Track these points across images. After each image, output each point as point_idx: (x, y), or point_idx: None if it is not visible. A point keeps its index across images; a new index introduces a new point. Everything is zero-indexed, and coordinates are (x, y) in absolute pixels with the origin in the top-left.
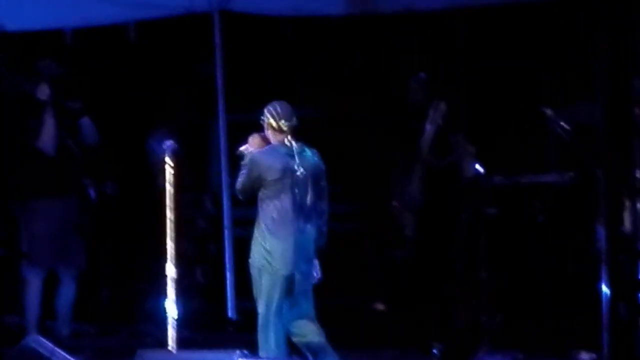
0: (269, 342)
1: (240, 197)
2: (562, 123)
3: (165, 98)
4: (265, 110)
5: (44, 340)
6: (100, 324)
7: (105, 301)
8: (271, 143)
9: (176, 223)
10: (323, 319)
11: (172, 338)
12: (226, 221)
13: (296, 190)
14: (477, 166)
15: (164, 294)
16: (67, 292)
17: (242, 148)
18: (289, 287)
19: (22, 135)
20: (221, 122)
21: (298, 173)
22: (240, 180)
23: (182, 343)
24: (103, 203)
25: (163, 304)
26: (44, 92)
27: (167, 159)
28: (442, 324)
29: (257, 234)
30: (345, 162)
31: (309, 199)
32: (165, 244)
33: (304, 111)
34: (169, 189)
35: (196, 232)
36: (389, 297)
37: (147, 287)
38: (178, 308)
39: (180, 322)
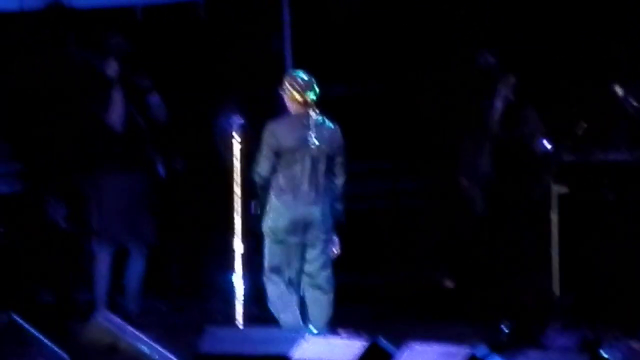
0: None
1: (260, 173)
2: (631, 100)
3: (234, 74)
4: (287, 83)
5: (113, 316)
6: (169, 300)
7: (175, 278)
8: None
9: (243, 199)
10: (392, 294)
11: (239, 315)
12: None
13: (308, 163)
14: (547, 142)
15: (232, 270)
16: (136, 268)
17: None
18: (291, 254)
19: (91, 111)
20: None
21: (312, 145)
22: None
23: (249, 320)
24: (172, 179)
25: (231, 281)
26: (112, 68)
27: (235, 135)
28: (511, 301)
29: (267, 203)
30: (411, 138)
31: (321, 172)
32: (233, 219)
33: (369, 87)
34: (237, 164)
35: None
36: (458, 273)
37: (215, 264)
38: (246, 284)
39: (248, 299)
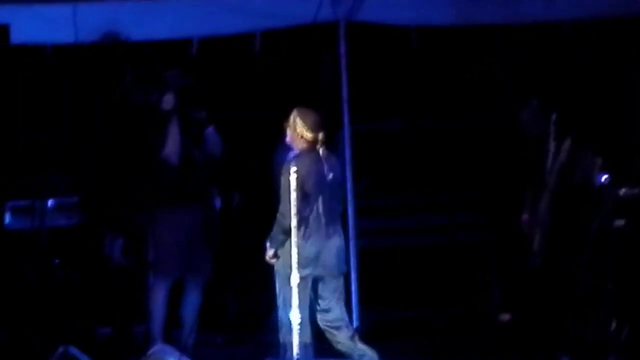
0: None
1: (288, 220)
2: None
3: (290, 107)
4: (299, 120)
5: (169, 348)
6: (225, 333)
7: (230, 310)
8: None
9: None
10: (448, 328)
11: (295, 347)
12: (351, 231)
13: (327, 196)
14: (604, 177)
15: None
16: (193, 301)
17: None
18: (311, 288)
19: (147, 145)
20: (346, 133)
21: (328, 179)
22: (283, 203)
23: None
24: (228, 213)
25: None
26: (169, 102)
27: (293, 168)
28: (569, 335)
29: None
30: (467, 171)
31: (335, 204)
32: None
33: (425, 120)
34: (293, 197)
35: None
36: (515, 307)
37: (272, 297)
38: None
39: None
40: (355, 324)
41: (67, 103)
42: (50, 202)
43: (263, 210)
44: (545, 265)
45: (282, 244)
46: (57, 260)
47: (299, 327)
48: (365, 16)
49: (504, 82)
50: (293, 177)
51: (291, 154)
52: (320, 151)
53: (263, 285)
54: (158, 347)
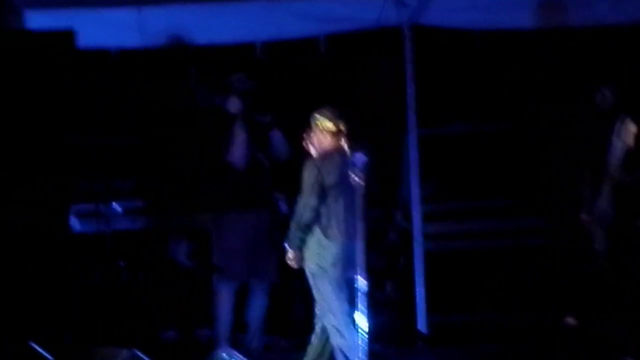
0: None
1: (308, 214)
2: None
3: (355, 110)
4: (319, 116)
5: (234, 352)
6: (290, 337)
7: (296, 314)
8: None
9: (365, 236)
10: (513, 332)
11: (362, 352)
12: (416, 235)
13: (349, 195)
14: None
15: (354, 307)
16: (258, 305)
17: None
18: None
19: (213, 149)
20: (412, 136)
21: (351, 178)
22: (305, 196)
23: (372, 357)
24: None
25: (353, 317)
26: (235, 105)
27: (359, 172)
28: (635, 338)
29: (312, 240)
30: (532, 175)
31: (357, 203)
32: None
33: (490, 124)
34: (360, 203)
35: (387, 246)
36: (580, 311)
37: None
38: (368, 322)
39: (371, 336)
40: (421, 328)
41: (132, 107)
42: (115, 206)
43: None
44: (608, 265)
45: (302, 242)
46: (122, 264)
47: (354, 329)
48: (429, 20)
49: (568, 85)
50: (315, 173)
51: (357, 157)
52: (346, 149)
53: None
54: (223, 351)
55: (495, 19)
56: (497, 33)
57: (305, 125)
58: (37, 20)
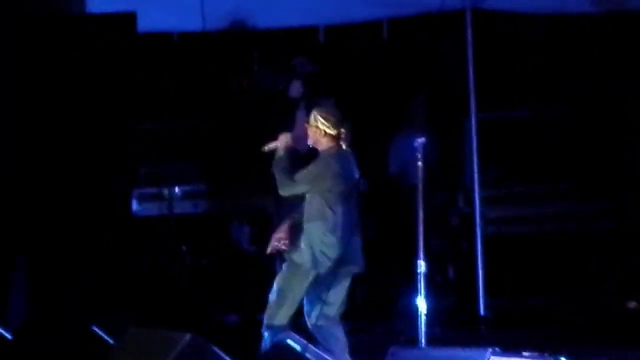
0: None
1: (285, 191)
2: None
3: (415, 94)
4: (320, 117)
5: (297, 336)
6: (353, 321)
7: (358, 298)
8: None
9: (427, 220)
10: (576, 316)
11: (423, 335)
12: (478, 219)
13: (351, 195)
14: None
15: (415, 291)
16: None
17: (271, 146)
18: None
19: (275, 132)
20: (473, 120)
21: (354, 178)
22: (300, 176)
23: (433, 340)
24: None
25: (414, 301)
26: (297, 89)
27: (419, 156)
28: None
29: (315, 233)
30: (595, 159)
31: (357, 204)
32: (415, 240)
33: (554, 109)
34: (419, 185)
35: (448, 230)
36: None
37: (399, 284)
38: (429, 305)
39: (432, 319)
40: (481, 312)
41: (195, 90)
42: (177, 190)
43: (389, 196)
44: None
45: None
46: (184, 248)
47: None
48: (491, 4)
49: (630, 69)
50: (321, 168)
51: (418, 141)
52: (346, 149)
53: (390, 273)
54: (285, 335)
55: (556, 3)
56: (558, 17)
57: (367, 109)
58: (99, 5)
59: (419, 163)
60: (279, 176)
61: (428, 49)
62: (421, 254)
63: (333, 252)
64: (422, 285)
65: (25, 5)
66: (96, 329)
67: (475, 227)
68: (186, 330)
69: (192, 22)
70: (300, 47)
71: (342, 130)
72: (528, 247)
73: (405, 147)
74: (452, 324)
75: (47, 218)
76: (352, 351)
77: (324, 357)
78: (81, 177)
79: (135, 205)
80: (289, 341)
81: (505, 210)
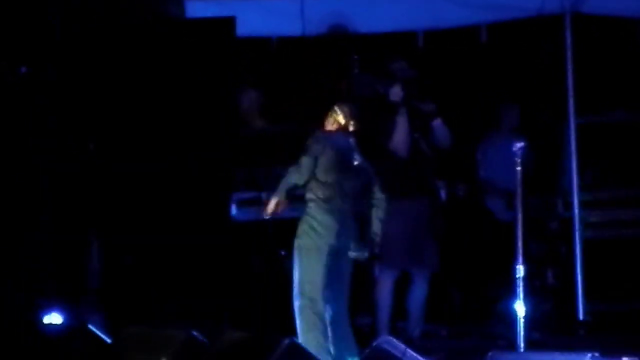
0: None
1: (296, 178)
2: None
3: (515, 98)
4: (337, 108)
5: (395, 340)
6: (451, 325)
7: (457, 302)
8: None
9: (526, 224)
10: (618, 323)
11: (522, 339)
12: (577, 223)
13: (349, 180)
14: None
15: (514, 296)
16: (419, 293)
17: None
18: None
19: (375, 136)
20: (571, 124)
21: (356, 163)
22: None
23: (532, 344)
24: (453, 205)
25: (513, 306)
26: (397, 93)
27: (517, 161)
28: None
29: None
30: None
31: (358, 192)
32: (513, 244)
33: None
34: (518, 190)
35: (547, 234)
36: None
37: (498, 289)
38: (528, 309)
39: (531, 324)
40: (580, 316)
41: (293, 95)
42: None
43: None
44: None
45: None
46: (283, 252)
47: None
48: (591, 8)
49: None
50: (321, 147)
51: (517, 145)
52: (351, 140)
53: (489, 278)
54: (383, 339)
55: None
56: None
57: (466, 114)
58: (198, 10)
59: (518, 168)
60: (285, 180)
61: (527, 54)
62: (520, 259)
63: (331, 232)
64: (521, 289)
65: (128, 11)
66: (195, 334)
67: (574, 231)
68: (285, 336)
69: (291, 27)
70: (399, 52)
71: (351, 122)
72: (627, 251)
73: (499, 151)
74: (550, 329)
75: (150, 223)
76: (450, 356)
77: None
78: (180, 183)
79: (234, 210)
80: (387, 345)
81: (604, 214)
